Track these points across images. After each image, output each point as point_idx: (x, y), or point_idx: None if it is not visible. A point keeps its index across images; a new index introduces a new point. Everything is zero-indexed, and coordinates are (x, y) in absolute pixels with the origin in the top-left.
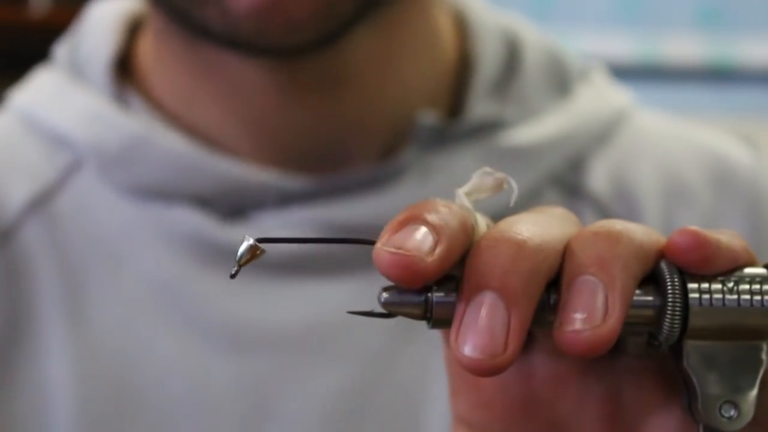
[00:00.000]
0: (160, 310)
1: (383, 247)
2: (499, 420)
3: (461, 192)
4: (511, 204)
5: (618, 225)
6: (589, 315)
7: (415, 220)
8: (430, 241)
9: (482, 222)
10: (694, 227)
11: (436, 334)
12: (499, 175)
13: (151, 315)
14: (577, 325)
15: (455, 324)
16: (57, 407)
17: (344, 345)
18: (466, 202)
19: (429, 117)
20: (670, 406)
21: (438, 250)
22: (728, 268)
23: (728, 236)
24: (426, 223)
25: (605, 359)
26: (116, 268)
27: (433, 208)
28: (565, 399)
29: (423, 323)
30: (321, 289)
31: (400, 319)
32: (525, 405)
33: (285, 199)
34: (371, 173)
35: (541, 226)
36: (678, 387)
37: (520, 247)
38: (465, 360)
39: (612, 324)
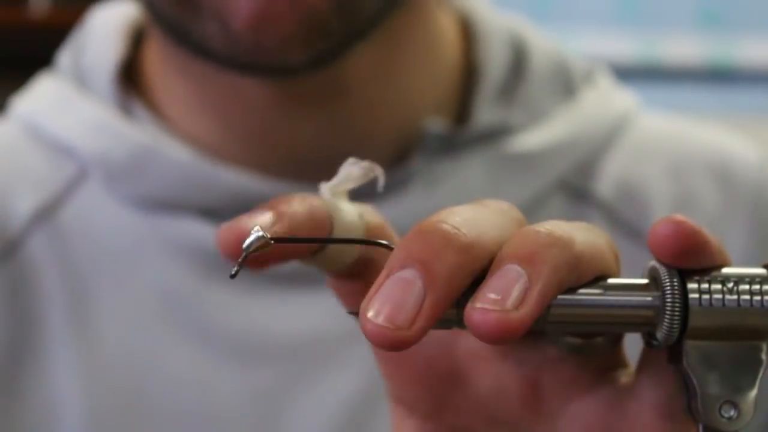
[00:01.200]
0: (168, 321)
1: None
2: (428, 395)
3: (325, 186)
4: (380, 190)
5: (563, 229)
6: (503, 297)
7: (262, 208)
8: (268, 216)
9: (352, 209)
10: (679, 216)
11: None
12: (365, 163)
13: (159, 327)
14: (487, 305)
15: (370, 292)
16: (66, 420)
17: (352, 353)
18: (328, 195)
19: (436, 124)
20: (588, 398)
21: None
22: (710, 264)
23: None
24: (270, 208)
25: (525, 346)
26: (123, 280)
27: (286, 200)
28: (486, 378)
29: None
30: (327, 299)
31: None
32: (450, 381)
33: None
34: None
35: (479, 224)
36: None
37: (450, 240)
38: (368, 326)
39: (523, 314)
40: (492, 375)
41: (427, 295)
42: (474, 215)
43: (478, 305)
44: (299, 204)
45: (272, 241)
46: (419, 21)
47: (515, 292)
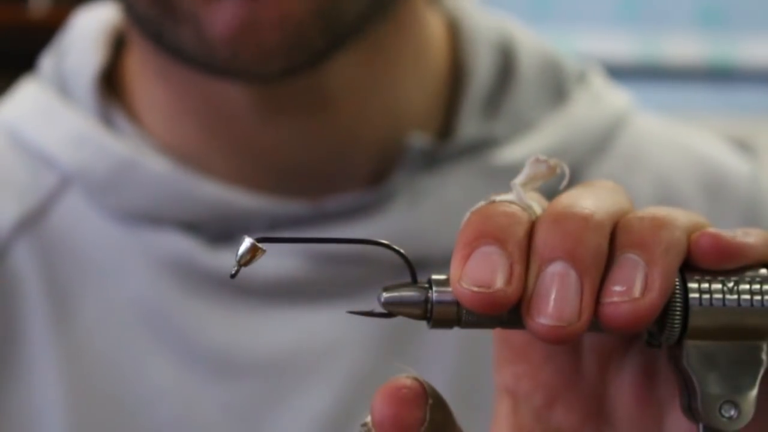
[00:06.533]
0: (150, 334)
1: (462, 284)
2: (542, 389)
3: (518, 184)
4: (561, 188)
5: (663, 211)
6: (628, 288)
7: (483, 239)
8: (505, 268)
9: (539, 208)
10: (714, 230)
11: (422, 350)
12: (553, 161)
13: (141, 339)
14: (615, 298)
15: (526, 294)
16: (48, 429)
17: (330, 368)
18: (524, 196)
19: (419, 140)
20: None
21: (515, 276)
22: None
23: (749, 236)
24: (495, 241)
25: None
26: (106, 292)
27: (496, 221)
28: (606, 372)
29: (403, 343)
30: (307, 314)
31: (384, 337)
32: (568, 376)
33: (274, 225)
34: (361, 199)
35: (601, 201)
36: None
37: (586, 220)
38: (540, 328)
39: (651, 298)
40: (612, 369)
41: (584, 283)
42: (593, 195)
43: (607, 300)
44: (516, 225)
45: (264, 249)
46: (408, 30)
47: (638, 280)
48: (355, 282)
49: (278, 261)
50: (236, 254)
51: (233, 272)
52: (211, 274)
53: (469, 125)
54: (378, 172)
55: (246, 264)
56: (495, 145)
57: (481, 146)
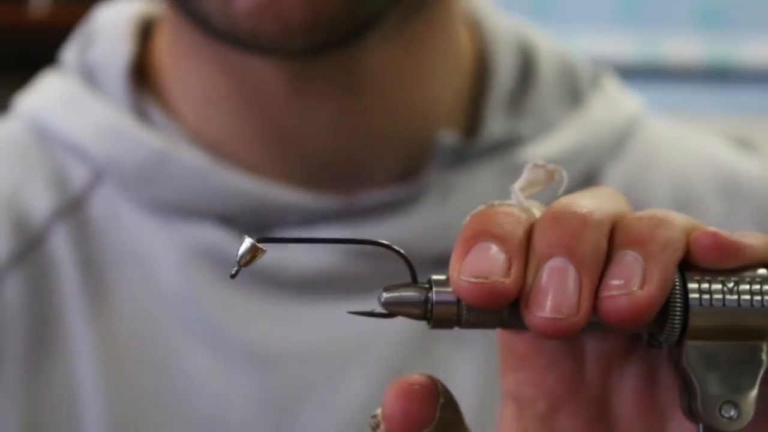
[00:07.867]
0: (185, 325)
1: (461, 277)
2: (546, 396)
3: (517, 189)
4: (559, 193)
5: (662, 211)
6: (627, 282)
7: (482, 236)
8: (503, 261)
9: (538, 212)
10: (713, 228)
11: (454, 344)
12: (551, 166)
13: (176, 331)
14: (614, 291)
15: (524, 290)
16: (87, 417)
17: (364, 360)
18: (524, 200)
19: (449, 137)
20: None
21: (514, 269)
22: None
23: (748, 236)
24: (494, 238)
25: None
26: (142, 282)
27: (495, 220)
28: (608, 378)
29: (435, 336)
30: (341, 307)
31: (417, 331)
32: (571, 382)
33: (307, 219)
34: (393, 194)
35: (599, 202)
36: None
37: (585, 218)
38: (539, 322)
39: (650, 291)
40: (615, 374)
41: (582, 278)
42: (592, 197)
43: (606, 294)
44: (516, 224)
45: (265, 249)
46: (441, 28)
47: (636, 274)
48: (389, 276)
49: (313, 254)
50: (236, 254)
51: (233, 272)
52: (246, 267)
53: (495, 123)
54: (407, 168)
55: (246, 264)
56: (520, 143)
57: (507, 144)
